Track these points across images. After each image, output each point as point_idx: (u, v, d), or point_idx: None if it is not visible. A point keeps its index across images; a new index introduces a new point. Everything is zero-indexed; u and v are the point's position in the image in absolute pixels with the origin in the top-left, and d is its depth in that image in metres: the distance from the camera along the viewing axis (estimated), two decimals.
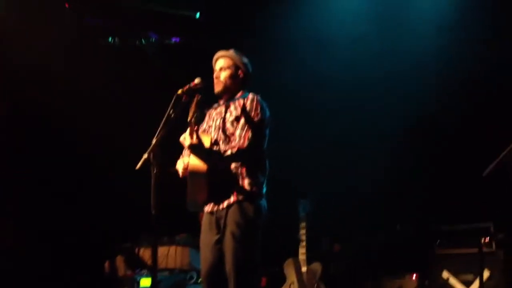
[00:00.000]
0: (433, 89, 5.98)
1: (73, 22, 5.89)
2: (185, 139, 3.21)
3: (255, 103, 3.37)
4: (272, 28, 6.24)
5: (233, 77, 3.48)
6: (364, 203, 5.97)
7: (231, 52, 3.53)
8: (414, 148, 6.03)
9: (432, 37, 5.93)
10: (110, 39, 6.22)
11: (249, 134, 3.28)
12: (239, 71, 3.51)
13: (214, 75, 3.50)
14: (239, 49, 3.58)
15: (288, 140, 5.92)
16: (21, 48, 5.58)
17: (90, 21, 6.02)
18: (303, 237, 5.41)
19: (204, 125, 3.54)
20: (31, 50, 5.58)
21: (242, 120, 3.32)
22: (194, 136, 3.16)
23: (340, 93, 6.18)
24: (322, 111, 6.26)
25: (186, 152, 3.43)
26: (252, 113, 3.33)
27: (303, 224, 5.45)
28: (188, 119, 3.14)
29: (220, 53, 3.55)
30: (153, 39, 6.38)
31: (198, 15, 6.21)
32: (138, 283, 4.86)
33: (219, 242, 3.29)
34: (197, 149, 3.20)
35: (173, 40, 6.53)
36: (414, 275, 5.30)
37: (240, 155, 3.24)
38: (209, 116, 3.56)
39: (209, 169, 3.23)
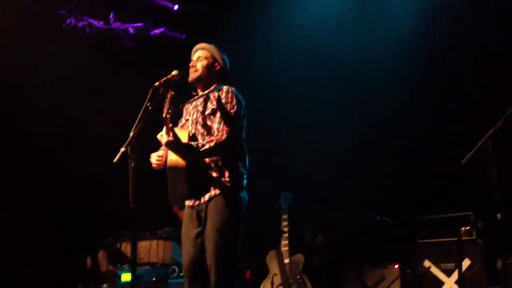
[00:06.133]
0: (404, 78, 6.04)
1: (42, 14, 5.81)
2: (162, 136, 3.17)
3: (230, 94, 3.34)
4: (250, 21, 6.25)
5: (209, 67, 3.47)
6: (346, 194, 5.99)
7: (211, 45, 3.52)
8: (391, 141, 6.06)
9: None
10: (87, 31, 6.15)
11: (227, 127, 3.24)
12: (216, 64, 3.49)
13: (190, 64, 3.48)
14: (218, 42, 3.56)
15: (270, 132, 5.91)
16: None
17: (66, 13, 5.95)
18: (285, 229, 5.40)
19: (182, 120, 3.51)
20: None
21: (219, 113, 3.29)
22: (171, 134, 3.12)
23: (317, 86, 6.23)
24: (300, 103, 6.28)
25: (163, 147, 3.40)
26: (228, 106, 3.31)
27: (285, 216, 5.44)
28: (163, 115, 3.09)
29: (200, 44, 3.54)
30: (132, 31, 6.33)
31: (176, 7, 6.18)
32: (120, 278, 4.83)
33: (200, 235, 3.27)
34: (174, 146, 3.16)
35: (152, 33, 6.49)
36: (396, 264, 5.33)
37: (218, 148, 3.21)
38: (185, 111, 3.53)
39: (187, 164, 3.19)
